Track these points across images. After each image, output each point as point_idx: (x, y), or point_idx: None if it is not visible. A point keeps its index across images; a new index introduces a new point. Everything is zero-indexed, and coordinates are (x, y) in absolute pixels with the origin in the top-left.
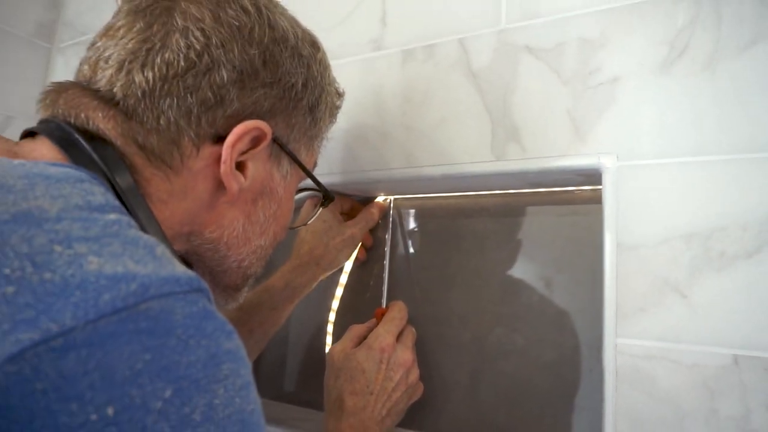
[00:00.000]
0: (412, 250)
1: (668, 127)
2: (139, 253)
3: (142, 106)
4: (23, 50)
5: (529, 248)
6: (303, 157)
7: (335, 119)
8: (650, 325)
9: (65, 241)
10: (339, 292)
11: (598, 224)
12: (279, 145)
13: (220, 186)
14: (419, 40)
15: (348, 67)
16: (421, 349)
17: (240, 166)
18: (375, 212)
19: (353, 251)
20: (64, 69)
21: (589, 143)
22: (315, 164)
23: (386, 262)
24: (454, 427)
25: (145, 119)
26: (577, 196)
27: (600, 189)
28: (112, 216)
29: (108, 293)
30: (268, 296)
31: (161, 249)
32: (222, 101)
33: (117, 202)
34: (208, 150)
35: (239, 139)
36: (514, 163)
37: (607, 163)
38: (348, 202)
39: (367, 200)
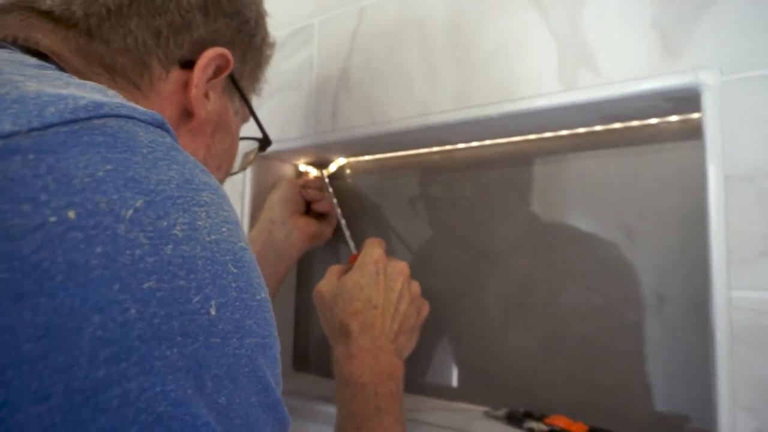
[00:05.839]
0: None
1: None
2: (87, 88)
3: (107, 25)
4: None
5: (604, 196)
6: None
7: (268, 66)
8: None
9: None
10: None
11: (689, 160)
12: (233, 80)
13: (184, 113)
14: None
15: (386, 4)
16: (480, 321)
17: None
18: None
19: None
20: None
21: (683, 58)
22: None
23: (343, 221)
24: (524, 400)
25: (111, 38)
26: (662, 130)
27: (694, 118)
28: (51, 71)
29: (53, 107)
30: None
31: (114, 92)
32: (189, 25)
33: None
34: (176, 74)
35: (207, 64)
36: (588, 91)
37: (707, 80)
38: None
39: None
